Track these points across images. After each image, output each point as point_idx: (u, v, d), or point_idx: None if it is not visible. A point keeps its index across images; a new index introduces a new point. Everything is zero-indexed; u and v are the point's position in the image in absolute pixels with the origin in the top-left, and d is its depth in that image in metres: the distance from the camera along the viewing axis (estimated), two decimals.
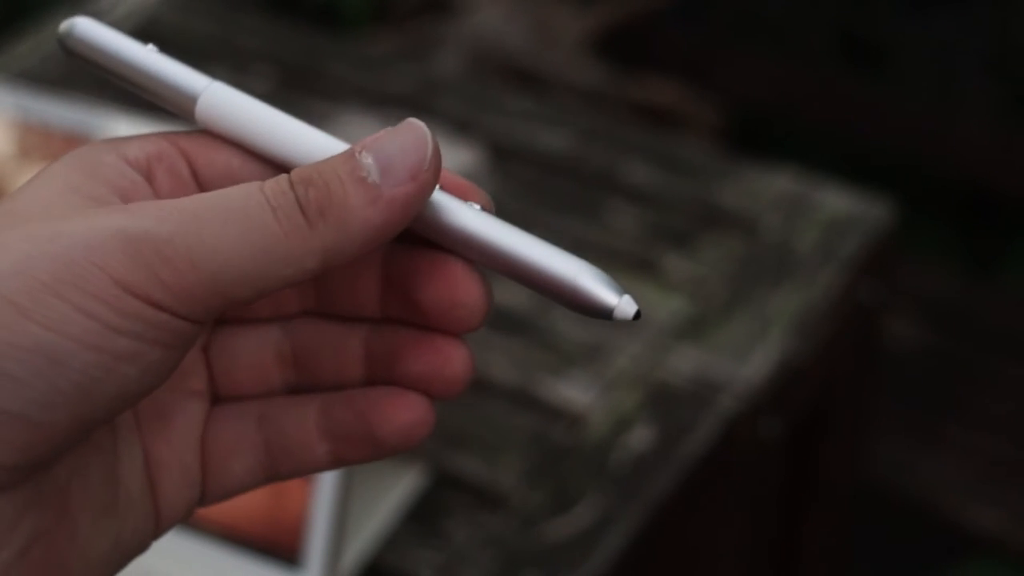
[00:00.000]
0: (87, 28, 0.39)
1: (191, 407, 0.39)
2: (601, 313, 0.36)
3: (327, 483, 0.77)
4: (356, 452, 0.39)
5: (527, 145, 1.12)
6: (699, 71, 2.08)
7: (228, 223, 0.34)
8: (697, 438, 0.89)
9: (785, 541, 1.11)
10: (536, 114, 1.15)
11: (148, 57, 0.39)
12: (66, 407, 0.33)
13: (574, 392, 0.92)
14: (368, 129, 1.12)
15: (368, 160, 0.35)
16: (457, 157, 1.09)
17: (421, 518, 0.85)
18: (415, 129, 0.36)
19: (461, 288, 0.38)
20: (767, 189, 1.07)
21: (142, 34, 1.24)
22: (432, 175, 0.36)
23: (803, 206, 1.06)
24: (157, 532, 0.38)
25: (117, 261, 0.33)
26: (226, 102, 0.38)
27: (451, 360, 0.39)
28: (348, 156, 0.35)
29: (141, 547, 0.38)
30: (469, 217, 0.37)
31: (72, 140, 0.83)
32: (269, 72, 1.20)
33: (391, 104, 1.15)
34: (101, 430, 0.37)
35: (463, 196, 0.37)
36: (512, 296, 0.99)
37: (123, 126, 0.82)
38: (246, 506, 0.78)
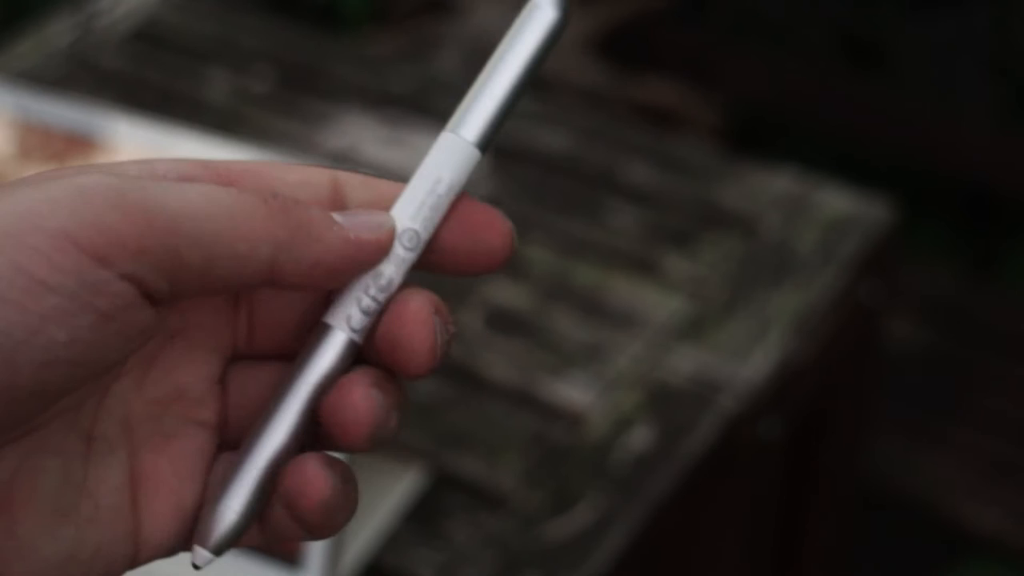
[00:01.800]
0: None
1: (198, 436, 0.38)
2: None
3: None
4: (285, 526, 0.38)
5: (527, 145, 1.12)
6: (699, 71, 2.08)
7: (189, 189, 0.34)
8: (697, 438, 0.89)
9: (785, 541, 1.11)
10: (536, 114, 1.15)
11: (490, 79, 0.39)
12: None
13: (574, 392, 0.92)
14: (368, 129, 1.12)
15: (336, 215, 0.37)
16: None
17: (421, 518, 0.85)
18: (383, 213, 0.38)
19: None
20: (767, 189, 1.07)
21: (142, 34, 1.24)
22: (388, 242, 0.37)
23: (803, 206, 1.06)
24: (136, 558, 0.37)
25: (65, 211, 0.33)
26: (443, 153, 0.38)
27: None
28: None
29: (112, 569, 0.36)
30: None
31: (72, 140, 0.83)
32: (269, 72, 1.20)
33: (391, 104, 1.15)
34: (67, 433, 0.35)
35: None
36: (512, 296, 0.99)
37: (123, 127, 0.82)
38: None
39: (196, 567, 0.37)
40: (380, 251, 0.37)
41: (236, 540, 0.37)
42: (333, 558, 0.77)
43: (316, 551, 0.77)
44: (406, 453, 0.89)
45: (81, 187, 0.33)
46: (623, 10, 2.09)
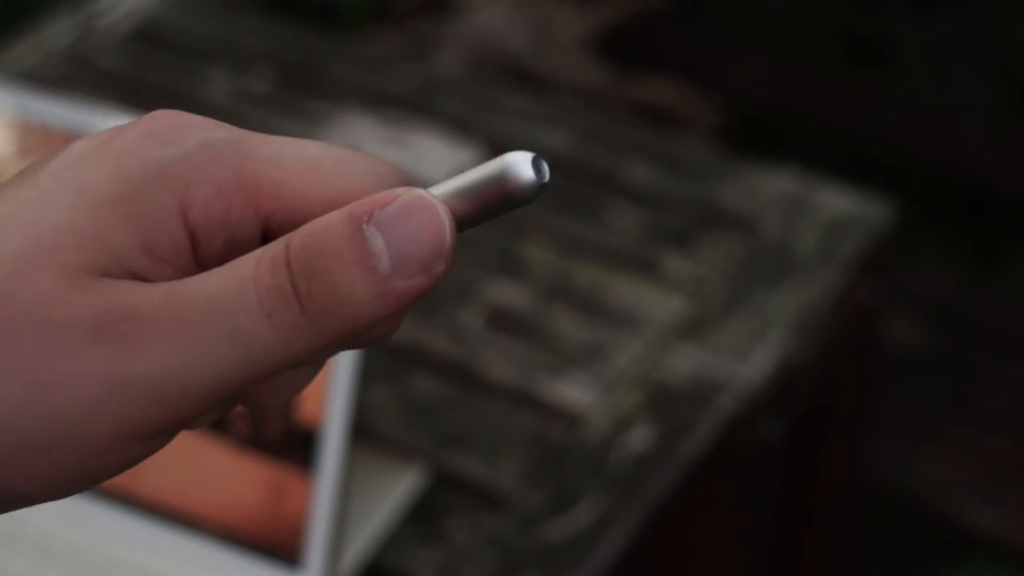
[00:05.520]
0: None
1: None
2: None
3: (327, 483, 0.77)
4: None
5: (527, 145, 1.12)
6: (699, 71, 2.08)
7: (217, 340, 0.32)
8: (697, 438, 0.89)
9: (785, 541, 1.11)
10: (536, 114, 1.15)
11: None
12: None
13: (574, 392, 0.92)
14: (368, 129, 1.12)
15: (378, 243, 0.33)
16: (457, 157, 1.09)
17: (421, 518, 0.85)
18: (432, 214, 0.33)
19: None
20: (767, 189, 1.07)
21: (142, 34, 1.24)
22: (446, 265, 0.33)
23: (803, 206, 1.06)
24: None
25: (110, 413, 0.32)
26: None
27: None
28: (355, 233, 0.33)
29: None
30: None
31: (72, 140, 0.83)
32: (269, 72, 1.20)
33: (391, 104, 1.15)
34: None
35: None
36: (512, 296, 0.99)
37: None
38: (246, 506, 0.78)
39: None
40: (432, 287, 0.33)
41: None
42: (333, 558, 0.77)
43: (316, 551, 0.77)
44: (406, 453, 0.89)
45: (121, 382, 0.33)
46: (623, 10, 2.09)
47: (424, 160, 1.09)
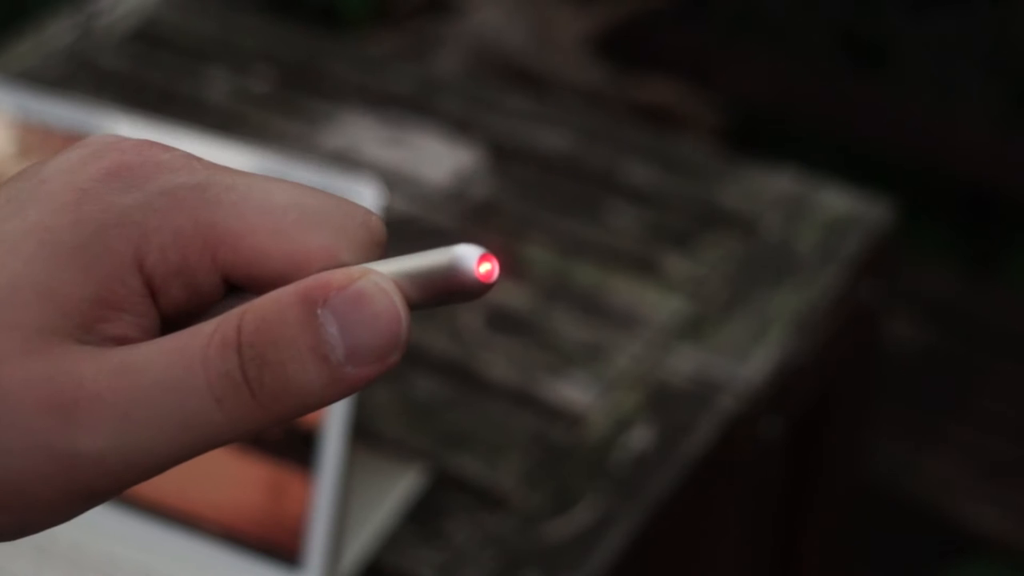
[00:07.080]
0: None
1: None
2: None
3: (327, 483, 0.77)
4: None
5: (527, 145, 1.12)
6: (699, 71, 2.08)
7: (164, 422, 0.32)
8: (697, 438, 0.89)
9: (785, 541, 1.11)
10: (536, 114, 1.15)
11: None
12: None
13: (574, 392, 0.92)
14: (368, 129, 1.12)
15: (333, 330, 0.32)
16: (457, 157, 1.09)
17: (421, 518, 0.85)
18: (388, 304, 0.32)
19: None
20: (767, 189, 1.07)
21: (142, 34, 1.24)
22: (400, 355, 0.33)
23: (803, 206, 1.06)
24: None
25: (57, 481, 0.33)
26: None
27: None
28: (309, 319, 0.32)
29: None
30: None
31: (72, 140, 0.83)
32: (269, 72, 1.20)
33: (391, 104, 1.15)
34: None
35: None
36: (512, 296, 0.99)
37: (123, 127, 0.82)
38: (246, 506, 0.78)
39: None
40: (383, 373, 0.33)
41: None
42: (333, 558, 0.77)
43: (316, 551, 0.77)
44: (406, 453, 0.89)
45: (57, 454, 0.33)
46: (623, 10, 2.09)
47: (424, 160, 1.09)
